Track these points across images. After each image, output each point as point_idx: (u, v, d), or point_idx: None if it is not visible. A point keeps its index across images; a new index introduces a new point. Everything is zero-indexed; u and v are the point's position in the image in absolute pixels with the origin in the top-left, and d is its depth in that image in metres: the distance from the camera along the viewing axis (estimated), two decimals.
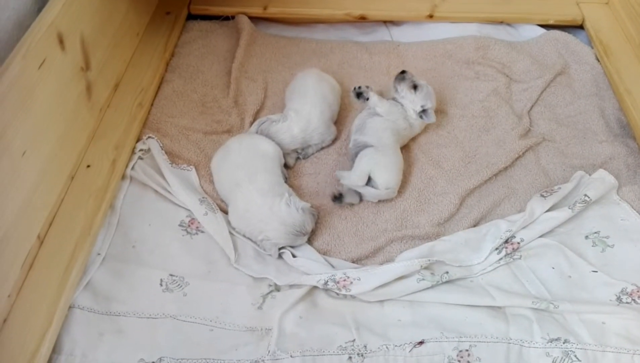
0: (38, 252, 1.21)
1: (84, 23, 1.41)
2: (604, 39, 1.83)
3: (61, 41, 1.29)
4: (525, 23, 1.97)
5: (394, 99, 1.57)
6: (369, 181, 1.42)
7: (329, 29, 1.99)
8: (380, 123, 1.50)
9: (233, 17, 1.93)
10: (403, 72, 1.58)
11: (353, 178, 1.41)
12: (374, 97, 1.54)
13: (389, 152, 1.46)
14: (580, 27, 1.94)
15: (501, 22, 1.97)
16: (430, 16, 1.94)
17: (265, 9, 1.94)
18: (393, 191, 1.44)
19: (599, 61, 1.81)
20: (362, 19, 1.95)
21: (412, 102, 1.54)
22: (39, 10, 1.32)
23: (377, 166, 1.42)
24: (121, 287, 1.23)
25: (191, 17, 1.94)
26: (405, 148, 1.58)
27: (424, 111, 1.54)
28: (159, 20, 1.86)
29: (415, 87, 1.55)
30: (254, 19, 1.93)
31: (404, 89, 1.55)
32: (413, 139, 1.60)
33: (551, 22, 1.94)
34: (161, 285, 1.25)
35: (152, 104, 1.62)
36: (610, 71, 1.73)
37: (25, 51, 1.17)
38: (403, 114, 1.54)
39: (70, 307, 1.18)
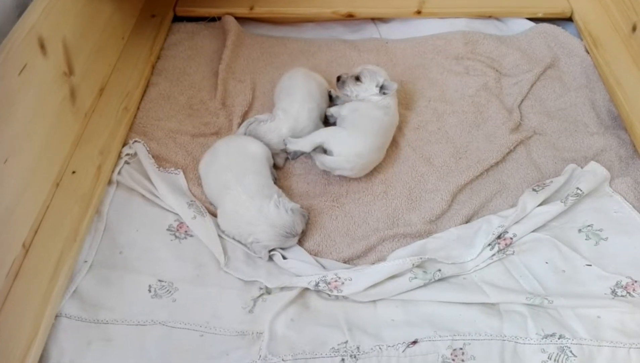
0: (23, 261, 1.19)
1: (66, 27, 1.39)
2: (593, 31, 1.82)
3: (42, 46, 1.27)
4: (514, 17, 1.96)
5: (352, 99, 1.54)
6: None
7: (316, 28, 1.97)
8: (357, 115, 1.49)
9: (219, 18, 1.91)
10: (338, 78, 1.54)
11: (301, 143, 1.45)
12: (330, 110, 1.57)
13: (356, 130, 1.44)
14: (569, 19, 1.93)
15: (490, 17, 1.96)
16: (418, 12, 1.92)
17: (251, 9, 1.92)
18: (347, 160, 1.42)
19: (588, 52, 1.80)
20: (350, 16, 1.93)
21: (366, 90, 1.51)
22: (20, 15, 1.30)
23: (333, 137, 1.43)
24: (109, 294, 1.21)
25: (177, 19, 1.93)
26: (395, 145, 1.57)
27: (381, 87, 1.50)
28: (145, 22, 1.84)
29: (357, 78, 1.51)
30: (241, 20, 1.91)
31: (350, 88, 1.52)
32: (402, 135, 1.59)
33: (540, 15, 1.93)
34: (150, 291, 1.23)
35: (138, 108, 1.60)
36: (600, 63, 1.72)
37: (5, 56, 1.15)
38: (369, 105, 1.50)
39: (57, 316, 1.15)
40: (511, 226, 1.32)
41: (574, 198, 1.36)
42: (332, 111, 1.56)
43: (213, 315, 1.20)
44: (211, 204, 1.40)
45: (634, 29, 1.70)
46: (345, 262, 1.32)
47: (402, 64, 1.82)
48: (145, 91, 1.66)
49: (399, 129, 1.61)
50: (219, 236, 1.33)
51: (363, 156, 1.44)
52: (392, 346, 1.14)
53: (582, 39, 1.84)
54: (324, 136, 1.45)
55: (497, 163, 1.52)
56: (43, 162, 1.29)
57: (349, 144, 1.42)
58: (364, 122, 1.47)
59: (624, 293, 1.22)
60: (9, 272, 1.15)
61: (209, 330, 1.17)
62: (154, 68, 1.74)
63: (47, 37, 1.29)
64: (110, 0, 1.63)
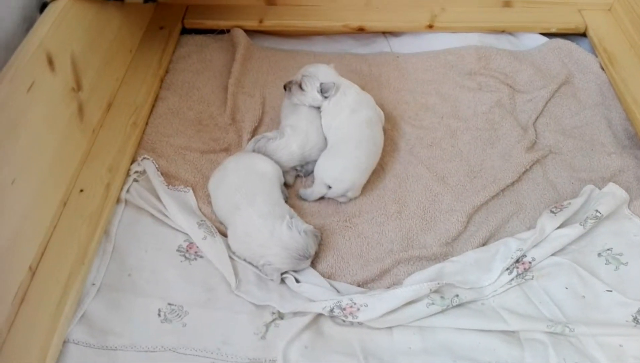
0: (30, 284, 1.16)
1: (75, 42, 1.35)
2: (608, 47, 1.79)
3: (51, 62, 1.24)
4: (527, 32, 1.93)
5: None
6: None
7: (326, 41, 1.95)
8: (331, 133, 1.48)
9: (228, 31, 1.88)
10: (285, 87, 1.50)
11: (315, 192, 1.44)
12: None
13: (334, 151, 1.44)
14: (583, 34, 1.90)
15: (502, 32, 1.93)
16: (430, 26, 1.89)
17: (261, 22, 1.89)
18: (342, 181, 1.41)
19: (603, 69, 1.77)
20: (361, 30, 1.90)
21: (312, 99, 1.47)
22: (27, 29, 1.27)
23: (323, 171, 1.42)
24: (117, 319, 1.17)
25: (185, 31, 1.89)
26: (408, 162, 1.54)
27: (321, 91, 1.46)
28: (153, 35, 1.81)
29: (300, 85, 1.47)
30: (250, 32, 1.89)
31: (297, 97, 1.49)
32: (415, 152, 1.56)
33: (553, 30, 1.90)
34: (159, 315, 1.19)
35: (146, 123, 1.57)
36: (616, 80, 1.69)
37: (13, 74, 1.12)
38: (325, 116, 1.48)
39: (65, 342, 1.12)
40: (529, 249, 1.29)
41: (593, 221, 1.33)
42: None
43: (224, 341, 1.16)
44: (221, 223, 1.37)
45: None
46: (359, 285, 1.28)
47: (413, 79, 1.80)
48: (153, 106, 1.63)
49: (412, 146, 1.58)
50: (230, 257, 1.29)
51: (356, 168, 1.42)
52: None
53: (596, 55, 1.81)
54: (319, 174, 1.43)
55: (512, 183, 1.48)
56: (50, 181, 1.25)
57: (336, 169, 1.41)
58: (336, 136, 1.45)
59: None
60: (15, 297, 1.11)
61: (220, 357, 1.14)
62: (163, 82, 1.71)
63: (55, 52, 1.26)
64: (118, 12, 1.59)
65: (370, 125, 1.47)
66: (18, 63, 1.14)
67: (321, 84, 1.46)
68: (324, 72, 1.49)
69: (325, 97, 1.47)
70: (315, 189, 1.44)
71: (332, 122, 1.47)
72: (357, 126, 1.45)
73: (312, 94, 1.47)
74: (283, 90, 1.68)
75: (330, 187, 1.42)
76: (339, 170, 1.41)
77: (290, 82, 1.50)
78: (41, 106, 1.21)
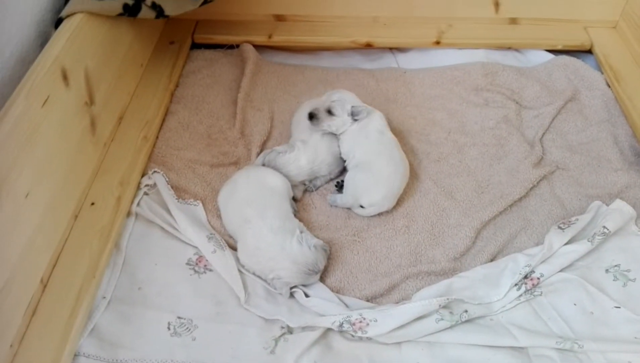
0: (41, 297, 1.17)
1: (88, 56, 1.37)
2: (613, 64, 1.81)
3: (65, 77, 1.26)
4: (533, 48, 1.95)
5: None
6: None
7: (334, 56, 1.97)
8: (361, 153, 1.48)
9: (238, 46, 1.91)
10: (311, 116, 1.48)
11: (343, 203, 1.46)
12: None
13: (370, 174, 1.43)
14: (589, 51, 1.92)
15: (509, 48, 1.95)
16: (437, 43, 1.91)
17: (270, 37, 1.91)
18: (381, 206, 1.44)
19: (609, 86, 1.79)
20: (368, 46, 1.92)
21: (343, 123, 1.48)
22: (42, 44, 1.29)
23: (362, 193, 1.43)
24: (128, 332, 1.18)
25: (195, 46, 1.92)
26: (415, 177, 1.55)
27: (352, 114, 1.47)
28: (163, 49, 1.83)
29: (329, 111, 1.47)
30: (259, 48, 1.91)
31: (327, 124, 1.48)
32: (422, 167, 1.57)
33: (559, 47, 1.92)
34: (169, 328, 1.20)
35: (157, 137, 1.59)
36: (622, 97, 1.71)
37: (29, 89, 1.14)
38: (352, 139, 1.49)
39: (76, 355, 1.13)
40: (538, 265, 1.30)
41: (601, 237, 1.34)
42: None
43: (233, 355, 1.17)
44: (230, 237, 1.38)
45: None
46: (367, 300, 1.29)
47: (420, 95, 1.81)
48: (164, 120, 1.64)
49: (420, 161, 1.59)
50: (239, 271, 1.30)
51: (392, 192, 1.44)
52: None
53: (602, 72, 1.83)
54: (353, 194, 1.44)
55: (520, 199, 1.49)
56: (63, 194, 1.26)
57: (377, 194, 1.43)
58: (366, 157, 1.46)
59: None
60: (27, 309, 1.12)
61: None
62: (173, 96, 1.73)
63: (69, 67, 1.27)
64: (130, 27, 1.62)
65: (399, 147, 1.50)
66: (34, 78, 1.16)
67: (352, 107, 1.47)
68: (350, 97, 1.50)
69: (355, 120, 1.48)
70: (345, 201, 1.46)
71: (355, 147, 1.48)
72: (389, 149, 1.47)
73: (342, 118, 1.47)
74: (294, 104, 1.71)
75: (362, 206, 1.44)
76: (379, 197, 1.43)
77: (316, 110, 1.48)
78: (55, 121, 1.22)
